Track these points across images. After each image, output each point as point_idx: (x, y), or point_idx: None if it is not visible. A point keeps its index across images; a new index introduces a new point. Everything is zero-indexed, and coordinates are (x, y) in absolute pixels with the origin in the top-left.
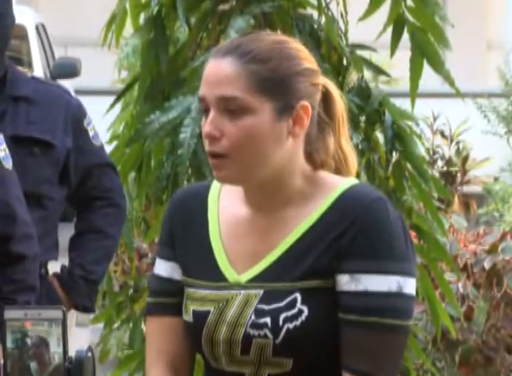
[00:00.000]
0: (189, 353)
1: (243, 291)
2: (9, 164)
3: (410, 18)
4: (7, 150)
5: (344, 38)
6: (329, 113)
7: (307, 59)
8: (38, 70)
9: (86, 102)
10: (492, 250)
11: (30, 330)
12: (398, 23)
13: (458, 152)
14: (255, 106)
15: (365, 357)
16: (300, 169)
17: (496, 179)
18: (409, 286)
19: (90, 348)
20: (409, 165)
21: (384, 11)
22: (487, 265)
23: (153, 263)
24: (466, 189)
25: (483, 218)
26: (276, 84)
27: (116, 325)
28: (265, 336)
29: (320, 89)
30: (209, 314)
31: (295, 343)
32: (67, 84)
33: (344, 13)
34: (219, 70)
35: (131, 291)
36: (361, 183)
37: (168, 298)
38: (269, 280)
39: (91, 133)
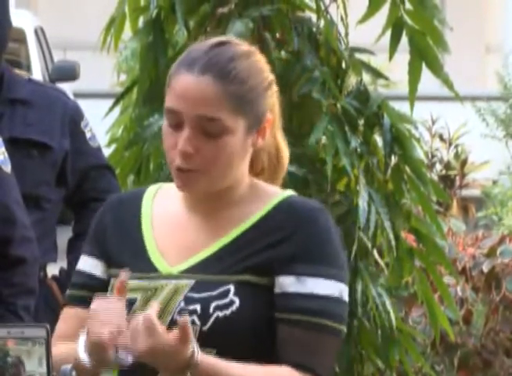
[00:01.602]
0: None
1: (173, 281)
2: (7, 168)
3: (409, 21)
4: (6, 154)
5: (344, 41)
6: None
7: (268, 68)
8: (37, 73)
9: (85, 105)
10: (491, 253)
11: (12, 349)
12: (396, 27)
13: (457, 155)
14: (233, 126)
15: (308, 354)
16: (245, 177)
17: (495, 183)
18: (346, 293)
19: (74, 368)
20: (407, 169)
21: (382, 14)
22: (485, 268)
23: None
24: (464, 192)
25: (482, 221)
26: (251, 103)
27: None
28: (193, 323)
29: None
30: (135, 301)
31: (222, 333)
32: (66, 87)
33: (344, 16)
34: (200, 89)
35: None
36: (298, 195)
37: (85, 291)
38: (202, 272)
39: (88, 135)
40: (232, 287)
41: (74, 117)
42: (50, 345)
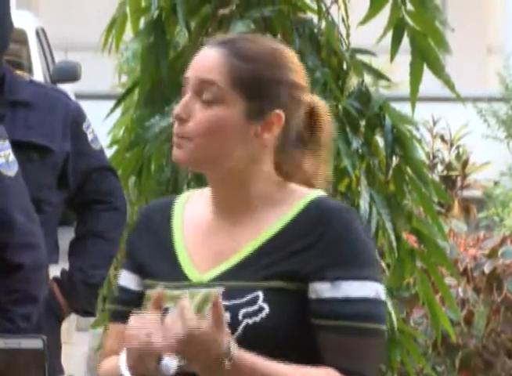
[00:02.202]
0: None
1: (203, 289)
2: (11, 171)
3: (410, 22)
4: (11, 157)
5: (345, 43)
6: (312, 135)
7: (296, 73)
8: (38, 74)
9: (86, 106)
10: (492, 254)
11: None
12: (398, 28)
13: (458, 156)
14: (228, 99)
15: (353, 359)
16: (266, 175)
17: (496, 184)
18: (383, 292)
19: None
20: (409, 169)
21: (384, 15)
22: (487, 269)
23: None
24: (466, 193)
25: (483, 222)
26: (253, 86)
27: None
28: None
29: (303, 106)
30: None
31: (252, 339)
32: (67, 88)
33: (345, 17)
34: (206, 57)
35: None
36: (327, 196)
37: (122, 306)
38: (231, 279)
39: (90, 137)
40: (260, 294)
41: (76, 119)
42: (47, 357)
